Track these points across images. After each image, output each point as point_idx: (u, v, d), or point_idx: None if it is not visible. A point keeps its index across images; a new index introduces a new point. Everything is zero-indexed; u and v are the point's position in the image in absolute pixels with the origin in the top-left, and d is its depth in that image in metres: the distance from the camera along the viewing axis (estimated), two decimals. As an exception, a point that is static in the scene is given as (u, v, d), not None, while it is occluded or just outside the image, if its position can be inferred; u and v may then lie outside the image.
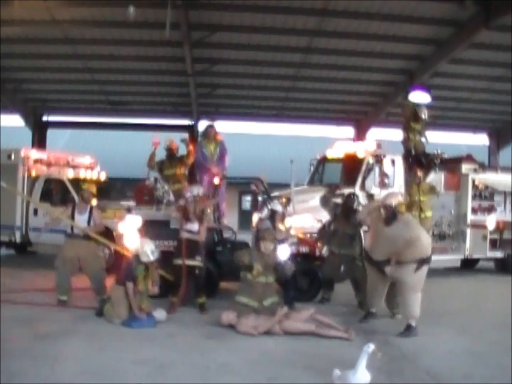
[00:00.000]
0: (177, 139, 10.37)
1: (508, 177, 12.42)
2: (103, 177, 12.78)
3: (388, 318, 7.41)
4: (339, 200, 9.28)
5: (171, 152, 10.12)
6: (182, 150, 10.40)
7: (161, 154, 10.24)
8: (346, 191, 9.75)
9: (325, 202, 9.12)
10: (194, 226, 7.50)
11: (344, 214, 8.60)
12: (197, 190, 7.84)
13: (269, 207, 8.79)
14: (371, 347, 4.25)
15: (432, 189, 10.79)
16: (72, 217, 7.86)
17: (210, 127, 9.90)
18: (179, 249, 7.50)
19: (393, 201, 6.89)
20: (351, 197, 8.81)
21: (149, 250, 6.83)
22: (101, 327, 6.49)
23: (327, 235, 8.68)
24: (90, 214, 7.90)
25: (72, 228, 7.87)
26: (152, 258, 6.85)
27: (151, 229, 7.90)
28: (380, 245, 6.90)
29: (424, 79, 15.83)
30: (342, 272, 9.00)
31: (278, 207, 8.55)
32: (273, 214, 8.42)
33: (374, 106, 20.27)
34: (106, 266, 8.93)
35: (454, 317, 7.69)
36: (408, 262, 6.58)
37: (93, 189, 8.20)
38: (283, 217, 8.58)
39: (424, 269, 6.69)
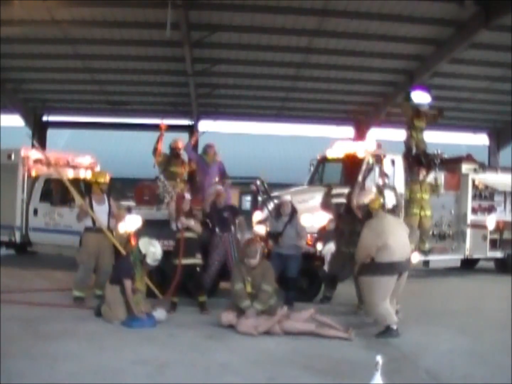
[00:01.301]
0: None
1: (508, 177, 12.40)
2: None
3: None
4: (340, 200, 9.21)
5: (175, 151, 10.06)
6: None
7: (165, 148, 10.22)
8: (344, 190, 9.60)
9: (325, 204, 9.06)
10: (191, 222, 7.53)
11: (349, 211, 8.54)
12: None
13: (272, 205, 8.77)
14: (379, 359, 3.67)
15: (434, 188, 10.82)
16: (91, 208, 7.92)
17: (209, 147, 9.83)
18: (177, 248, 7.49)
19: (365, 200, 6.87)
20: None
21: (158, 256, 6.88)
22: (101, 327, 6.47)
23: (337, 235, 8.59)
24: (109, 203, 8.07)
25: (93, 221, 7.91)
26: (154, 264, 6.90)
27: (151, 229, 7.89)
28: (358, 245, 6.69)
29: (424, 79, 15.83)
30: (345, 270, 8.97)
31: (286, 197, 8.64)
32: (280, 207, 8.39)
33: (374, 106, 20.28)
34: None
35: (454, 317, 7.67)
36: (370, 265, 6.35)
37: (106, 178, 8.28)
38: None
39: (387, 279, 6.28)
